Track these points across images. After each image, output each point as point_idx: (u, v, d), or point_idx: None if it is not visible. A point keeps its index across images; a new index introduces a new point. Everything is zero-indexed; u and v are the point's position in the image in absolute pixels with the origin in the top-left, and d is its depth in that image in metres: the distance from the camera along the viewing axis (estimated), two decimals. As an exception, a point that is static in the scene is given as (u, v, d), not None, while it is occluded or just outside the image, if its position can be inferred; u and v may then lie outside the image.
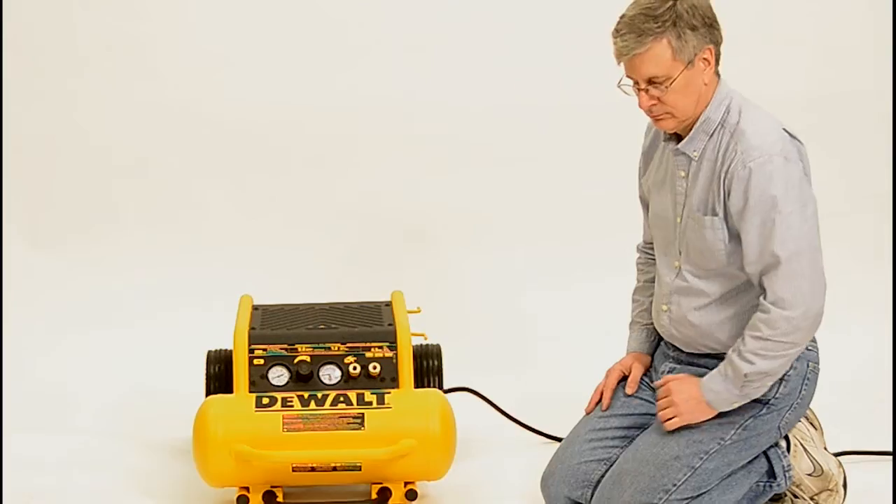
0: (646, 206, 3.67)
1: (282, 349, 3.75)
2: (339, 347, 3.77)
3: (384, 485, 3.64)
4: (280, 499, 3.62)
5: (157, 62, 5.45)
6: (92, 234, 5.41)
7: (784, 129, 3.36)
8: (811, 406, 3.63)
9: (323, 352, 3.76)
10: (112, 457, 4.08)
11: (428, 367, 3.95)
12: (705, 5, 3.32)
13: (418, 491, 3.66)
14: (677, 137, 3.43)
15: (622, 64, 3.34)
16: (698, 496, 3.40)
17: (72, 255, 5.36)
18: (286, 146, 5.47)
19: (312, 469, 3.57)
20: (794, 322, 3.28)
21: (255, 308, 4.01)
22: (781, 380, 3.43)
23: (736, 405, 3.38)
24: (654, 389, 3.57)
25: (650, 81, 3.31)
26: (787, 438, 3.54)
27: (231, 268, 5.23)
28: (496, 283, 5.25)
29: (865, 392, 4.54)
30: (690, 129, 3.38)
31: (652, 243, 3.68)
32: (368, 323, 3.88)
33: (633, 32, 3.27)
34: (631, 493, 3.36)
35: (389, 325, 3.86)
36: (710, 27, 3.31)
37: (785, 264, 3.27)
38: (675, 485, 3.37)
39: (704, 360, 3.48)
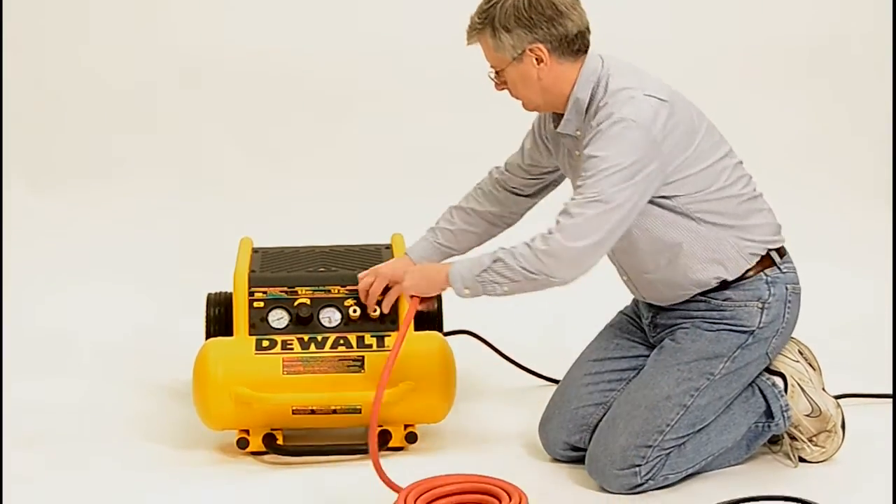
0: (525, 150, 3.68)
1: (282, 292, 3.74)
2: (339, 290, 3.76)
3: (384, 427, 3.64)
4: (280, 441, 3.63)
5: (159, 5, 5.43)
6: (92, 177, 5.41)
7: (650, 95, 3.27)
8: (810, 347, 3.63)
9: (323, 294, 3.75)
10: (112, 400, 4.09)
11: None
12: (527, 4, 3.28)
13: (418, 433, 3.67)
14: (558, 119, 3.43)
15: None
16: (696, 432, 3.41)
17: (72, 198, 5.36)
18: (287, 88, 5.45)
19: (312, 412, 3.57)
20: (566, 253, 3.24)
21: (255, 251, 4.00)
22: (763, 308, 3.42)
23: (467, 293, 3.34)
24: (646, 332, 3.59)
25: (493, 69, 3.40)
26: (784, 379, 3.54)
27: (231, 210, 5.22)
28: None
29: (865, 334, 4.54)
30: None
31: (511, 172, 3.71)
32: (369, 266, 3.86)
33: (469, 24, 3.38)
34: (626, 436, 3.36)
35: (389, 267, 3.84)
36: (529, 27, 3.29)
37: (595, 200, 3.25)
38: (668, 425, 3.37)
39: (693, 304, 3.47)
